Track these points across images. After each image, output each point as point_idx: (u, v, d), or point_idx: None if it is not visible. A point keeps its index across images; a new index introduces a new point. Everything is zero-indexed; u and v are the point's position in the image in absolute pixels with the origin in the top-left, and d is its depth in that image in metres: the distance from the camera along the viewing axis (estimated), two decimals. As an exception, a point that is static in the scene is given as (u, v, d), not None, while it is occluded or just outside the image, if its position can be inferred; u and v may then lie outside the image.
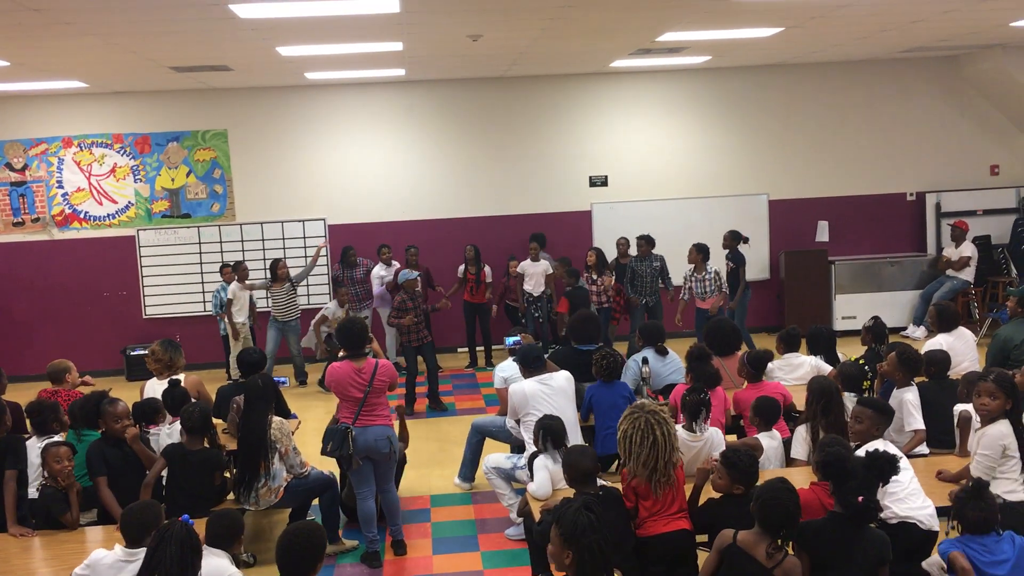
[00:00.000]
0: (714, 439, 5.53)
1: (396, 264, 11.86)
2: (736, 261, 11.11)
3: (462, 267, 11.95)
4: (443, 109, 12.76)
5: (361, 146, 12.69)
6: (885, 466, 4.24)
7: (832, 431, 5.28)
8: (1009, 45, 11.80)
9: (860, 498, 4.06)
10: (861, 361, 6.88)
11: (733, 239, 11.21)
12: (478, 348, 12.18)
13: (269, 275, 11.22)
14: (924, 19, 9.34)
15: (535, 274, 11.66)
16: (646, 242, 11.35)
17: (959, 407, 5.63)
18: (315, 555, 3.89)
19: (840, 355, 7.63)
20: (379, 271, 11.93)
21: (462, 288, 11.96)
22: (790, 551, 4.12)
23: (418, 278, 9.98)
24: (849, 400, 5.87)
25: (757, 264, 13.04)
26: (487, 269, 11.93)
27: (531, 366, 6.59)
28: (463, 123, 12.79)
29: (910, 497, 4.72)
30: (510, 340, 8.08)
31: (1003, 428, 4.96)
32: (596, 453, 5.31)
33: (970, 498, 4.16)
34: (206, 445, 6.00)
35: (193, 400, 6.74)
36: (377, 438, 6.11)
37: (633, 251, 11.58)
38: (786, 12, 8.61)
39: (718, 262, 11.11)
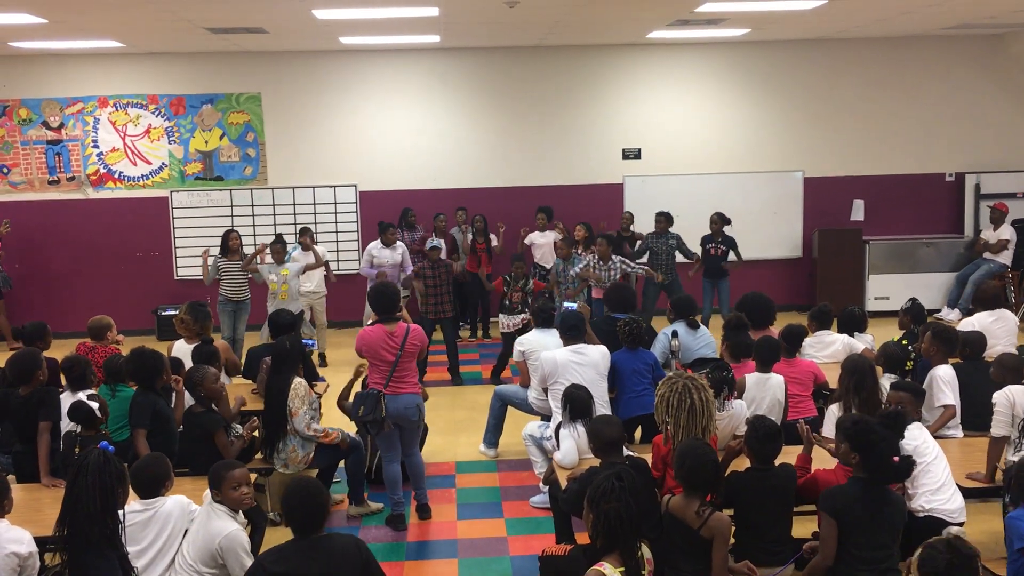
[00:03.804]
0: (738, 413, 5.50)
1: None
2: (728, 244, 10.97)
3: (470, 236, 11.88)
4: (477, 78, 12.68)
5: (394, 113, 12.65)
6: (896, 421, 4.47)
7: (864, 410, 5.23)
8: (1058, 24, 11.54)
9: (896, 458, 4.20)
10: (904, 342, 6.76)
11: (723, 221, 11.02)
12: (481, 320, 12.12)
13: (220, 247, 9.97)
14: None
15: (544, 244, 11.54)
16: (665, 219, 11.10)
17: (999, 394, 5.52)
18: (322, 508, 3.89)
19: (870, 336, 7.54)
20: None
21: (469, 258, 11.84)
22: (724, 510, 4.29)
23: (442, 247, 9.86)
24: (888, 381, 5.78)
25: (790, 242, 12.92)
26: (492, 238, 11.88)
27: (568, 334, 6.59)
28: (496, 92, 12.71)
29: (941, 489, 4.70)
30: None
31: (1016, 388, 5.16)
32: (621, 422, 5.29)
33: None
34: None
35: (221, 362, 6.80)
36: (407, 406, 6.16)
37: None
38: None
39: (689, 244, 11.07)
